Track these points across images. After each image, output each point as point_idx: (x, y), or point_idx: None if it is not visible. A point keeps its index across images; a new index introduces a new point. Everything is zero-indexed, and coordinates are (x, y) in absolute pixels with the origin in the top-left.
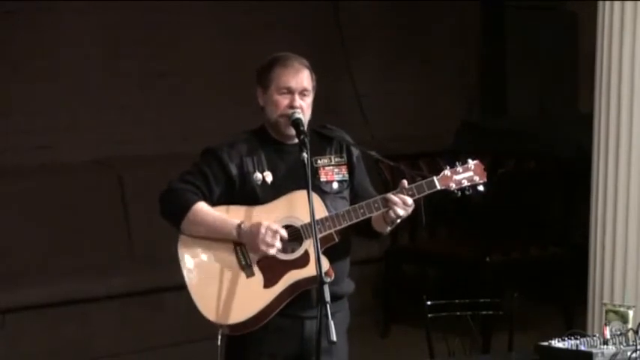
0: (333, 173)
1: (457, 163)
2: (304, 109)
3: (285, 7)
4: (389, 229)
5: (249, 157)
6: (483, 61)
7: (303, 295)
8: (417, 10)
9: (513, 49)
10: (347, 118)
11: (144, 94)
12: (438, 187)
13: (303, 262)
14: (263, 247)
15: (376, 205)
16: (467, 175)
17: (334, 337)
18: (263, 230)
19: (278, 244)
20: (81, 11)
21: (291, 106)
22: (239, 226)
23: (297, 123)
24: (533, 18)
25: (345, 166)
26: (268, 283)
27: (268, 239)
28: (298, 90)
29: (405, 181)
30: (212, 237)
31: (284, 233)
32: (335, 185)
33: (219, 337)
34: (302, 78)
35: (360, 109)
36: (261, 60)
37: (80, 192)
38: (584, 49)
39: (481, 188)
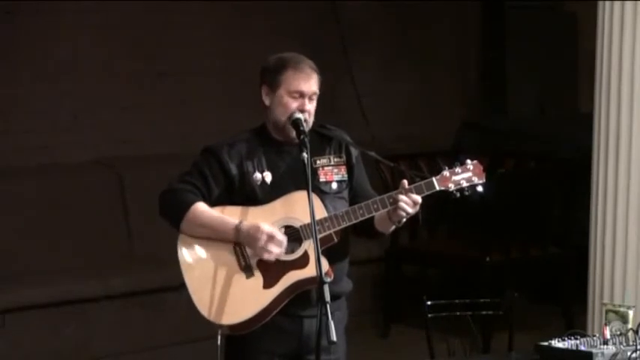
0: (332, 173)
1: (456, 164)
2: (311, 112)
3: (285, 8)
4: (393, 228)
5: (249, 157)
6: (483, 62)
7: (303, 295)
8: (417, 10)
9: (513, 49)
10: (347, 118)
11: (144, 94)
12: (437, 188)
13: (302, 262)
14: (261, 254)
15: (375, 205)
16: (466, 175)
17: (334, 337)
18: (263, 237)
19: (276, 250)
20: (81, 11)
21: (302, 110)
22: (237, 227)
23: (296, 123)
24: (533, 18)
25: (344, 167)
26: (268, 283)
27: (269, 247)
28: (308, 94)
29: (405, 181)
30: (211, 237)
31: (281, 237)
32: (334, 185)
33: (219, 336)
34: (312, 82)
35: (360, 109)
36: (261, 60)
37: (80, 192)
38: (584, 49)
39: (480, 189)
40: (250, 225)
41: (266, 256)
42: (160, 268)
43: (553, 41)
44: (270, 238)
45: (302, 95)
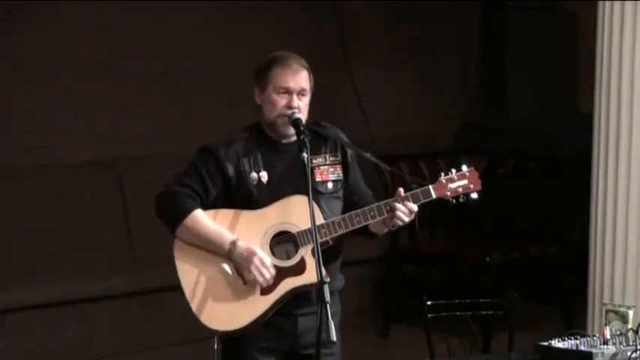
0: (328, 173)
1: (452, 171)
2: (302, 109)
3: (285, 7)
4: (387, 230)
5: (245, 156)
6: (483, 61)
7: (300, 294)
8: (416, 10)
9: (513, 49)
10: (347, 118)
11: (144, 94)
12: (434, 196)
13: (299, 269)
14: (253, 277)
15: (372, 213)
16: (462, 183)
17: (334, 337)
18: (257, 262)
19: (265, 278)
20: (81, 11)
21: (289, 107)
22: (232, 245)
23: (297, 123)
24: (533, 18)
25: (339, 166)
26: (265, 289)
27: (258, 274)
28: (296, 90)
29: (401, 190)
30: (205, 247)
31: (273, 271)
32: (330, 185)
33: (216, 343)
34: (300, 78)
35: (360, 109)
36: (260, 60)
37: (80, 192)
38: (584, 49)
39: (474, 195)
40: (246, 246)
41: (252, 278)
42: (160, 268)
43: (553, 41)
44: (263, 264)
45: (289, 91)
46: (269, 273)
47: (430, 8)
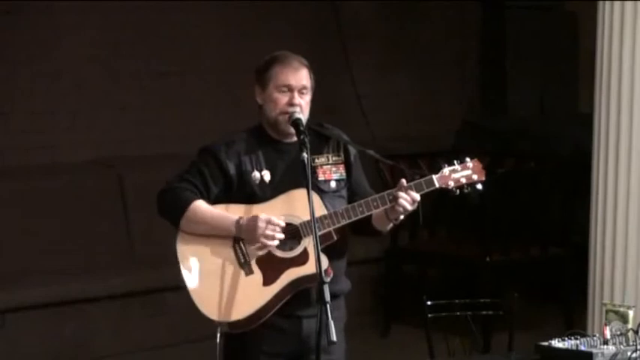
0: (330, 172)
1: (455, 162)
2: (303, 107)
3: (285, 7)
4: (390, 225)
5: (247, 155)
6: (483, 62)
7: (302, 295)
8: (416, 10)
9: (513, 48)
10: (347, 118)
11: (144, 94)
12: (437, 186)
13: (302, 260)
14: (263, 240)
15: (375, 203)
16: (465, 173)
17: (334, 337)
18: (262, 224)
19: (278, 236)
20: (81, 11)
21: (291, 104)
22: (237, 221)
23: (297, 123)
24: (533, 18)
25: (342, 165)
26: (267, 280)
27: (268, 232)
28: (297, 88)
29: (404, 180)
30: (211, 234)
31: (281, 223)
32: (333, 184)
33: (218, 335)
34: (301, 76)
35: (360, 109)
36: (261, 60)
37: (80, 192)
38: (584, 49)
39: (479, 186)
40: (249, 217)
41: (263, 241)
42: (160, 268)
43: (553, 41)
44: (269, 222)
45: (290, 89)
46: (279, 228)
47: (430, 8)
